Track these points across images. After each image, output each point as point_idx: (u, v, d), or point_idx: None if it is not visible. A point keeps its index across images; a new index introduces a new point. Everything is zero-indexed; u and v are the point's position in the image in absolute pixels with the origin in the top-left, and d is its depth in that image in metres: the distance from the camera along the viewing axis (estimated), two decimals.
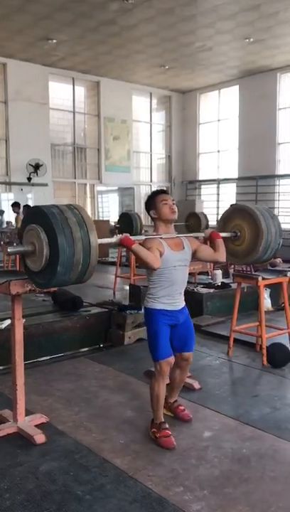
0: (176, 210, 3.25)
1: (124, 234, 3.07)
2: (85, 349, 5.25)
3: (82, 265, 2.77)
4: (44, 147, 13.48)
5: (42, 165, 13.20)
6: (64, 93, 14.43)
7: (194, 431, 3.29)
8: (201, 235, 3.62)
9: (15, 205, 11.38)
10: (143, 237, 3.18)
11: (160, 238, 3.15)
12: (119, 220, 8.95)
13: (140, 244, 3.03)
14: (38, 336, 4.95)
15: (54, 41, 11.42)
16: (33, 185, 13.18)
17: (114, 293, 8.02)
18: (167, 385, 3.34)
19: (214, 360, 4.83)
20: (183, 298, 3.31)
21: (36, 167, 13.09)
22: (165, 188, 16.38)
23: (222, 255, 3.39)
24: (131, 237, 3.00)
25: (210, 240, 3.45)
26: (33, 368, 4.55)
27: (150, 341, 3.22)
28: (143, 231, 8.78)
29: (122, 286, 8.49)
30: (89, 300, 6.21)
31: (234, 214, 4.09)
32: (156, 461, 2.91)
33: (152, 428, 3.17)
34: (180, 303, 3.26)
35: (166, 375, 3.20)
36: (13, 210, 11.45)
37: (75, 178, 14.66)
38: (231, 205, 4.69)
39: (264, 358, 4.66)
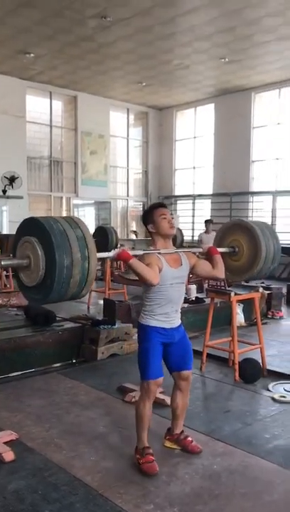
0: (175, 225, 3.18)
1: (122, 248, 3.01)
2: (58, 364, 5.19)
3: (80, 280, 2.65)
4: (20, 160, 13.42)
5: (17, 177, 13.13)
6: (41, 107, 14.45)
7: (165, 447, 3.27)
8: (199, 250, 3.55)
9: None
10: (141, 252, 3.07)
11: (159, 253, 3.05)
12: (94, 234, 8.94)
13: (138, 259, 2.94)
14: (9, 350, 4.87)
15: (32, 55, 11.46)
16: (8, 197, 13.07)
17: (88, 307, 7.96)
18: (172, 414, 3.26)
19: None
20: (180, 315, 3.20)
21: (11, 180, 13.00)
22: (141, 202, 16.48)
23: (221, 271, 3.31)
24: (129, 251, 2.93)
25: (208, 256, 3.36)
26: (4, 383, 4.47)
27: (140, 359, 3.07)
28: (119, 245, 8.81)
29: (97, 300, 8.44)
30: (63, 315, 6.15)
31: (231, 229, 4.12)
32: (127, 478, 2.88)
33: (136, 453, 3.03)
34: (176, 320, 3.15)
35: (153, 397, 3.07)
36: None
37: (51, 191, 14.61)
38: (228, 221, 4.61)
39: (236, 374, 4.69)
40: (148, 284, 2.96)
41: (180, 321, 3.20)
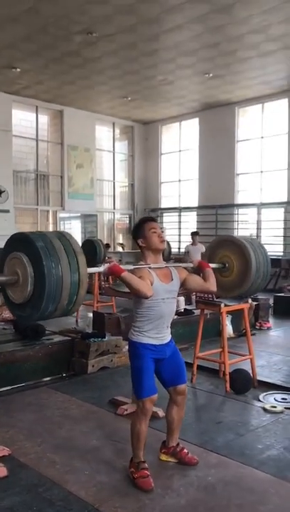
0: (165, 239, 3.17)
1: (112, 262, 3.01)
2: (48, 378, 5.16)
3: (70, 297, 2.60)
4: (6, 174, 13.39)
5: (3, 191, 13.09)
6: (27, 121, 14.49)
7: (159, 459, 3.26)
8: (190, 265, 3.56)
9: None
10: (131, 267, 3.05)
11: (149, 268, 3.03)
12: (82, 247, 8.94)
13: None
14: None
15: (18, 70, 11.51)
16: None
17: (76, 321, 7.92)
18: (168, 427, 3.25)
19: None
20: (170, 331, 3.18)
21: None
22: (133, 216, 16.54)
23: (213, 285, 3.30)
24: (120, 265, 2.90)
25: (200, 270, 3.35)
26: None
27: (133, 377, 3.06)
28: (106, 258, 8.81)
29: (85, 313, 8.40)
30: (52, 328, 6.12)
31: (221, 245, 4.15)
32: (122, 491, 2.87)
33: (130, 467, 3.01)
34: (166, 336, 3.13)
35: (149, 415, 3.03)
36: None
37: (38, 204, 14.59)
38: (216, 237, 4.62)
39: (227, 385, 4.71)
40: (142, 297, 2.92)
41: (170, 336, 3.18)
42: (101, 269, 2.97)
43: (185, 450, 3.26)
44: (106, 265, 2.93)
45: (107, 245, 15.00)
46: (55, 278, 2.52)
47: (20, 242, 2.73)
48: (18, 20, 8.83)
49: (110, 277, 9.61)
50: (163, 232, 3.19)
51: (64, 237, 2.72)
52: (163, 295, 3.02)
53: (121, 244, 16.22)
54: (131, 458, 3.06)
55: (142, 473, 2.93)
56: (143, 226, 3.12)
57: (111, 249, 14.17)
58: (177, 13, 8.61)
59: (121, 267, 2.90)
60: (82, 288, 2.66)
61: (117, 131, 16.96)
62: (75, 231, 16.15)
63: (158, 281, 3.01)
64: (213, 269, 3.61)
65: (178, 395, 3.18)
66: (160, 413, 4.00)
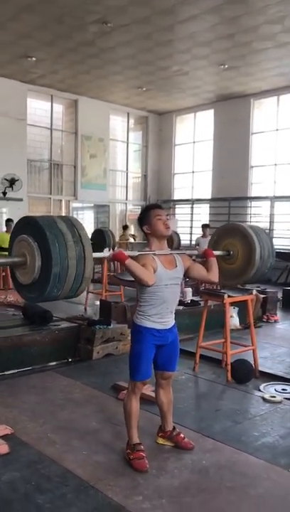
0: (170, 226, 3.19)
1: (118, 248, 3.06)
2: (53, 363, 5.27)
3: (76, 279, 2.67)
4: (20, 162, 13.52)
5: (17, 180, 13.23)
6: (42, 110, 14.57)
7: (156, 443, 3.35)
8: (194, 252, 3.61)
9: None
10: (136, 253, 3.10)
11: (154, 254, 3.07)
12: (92, 237, 9.04)
13: (133, 259, 2.98)
14: (5, 349, 4.97)
15: (33, 59, 11.58)
16: (7, 199, 13.18)
17: (85, 308, 8.05)
18: (160, 411, 3.34)
19: (180, 375, 4.90)
20: (174, 316, 3.23)
21: (12, 182, 13.11)
22: (159, 203, 16.62)
23: (215, 275, 3.33)
24: (125, 252, 2.97)
25: (204, 258, 3.41)
26: (0, 380, 4.55)
27: (131, 359, 3.14)
28: (116, 247, 8.89)
29: (94, 301, 8.52)
30: (60, 315, 6.24)
31: (226, 233, 4.20)
32: (118, 471, 2.97)
33: (127, 449, 3.10)
34: (170, 321, 3.18)
35: (139, 394, 3.16)
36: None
37: (51, 194, 14.72)
38: (222, 225, 4.61)
39: (229, 374, 4.77)
40: (143, 285, 2.99)
41: (174, 322, 3.24)
42: (106, 254, 3.02)
43: (182, 435, 3.34)
44: (112, 251, 3.00)
45: (126, 227, 15.08)
46: (61, 261, 2.59)
47: (28, 225, 2.80)
48: (34, 9, 8.88)
49: (119, 267, 9.72)
50: (168, 219, 3.22)
51: (70, 222, 2.78)
52: (167, 281, 3.06)
53: (133, 235, 16.28)
54: (127, 441, 3.15)
55: (138, 454, 3.03)
56: (148, 213, 3.16)
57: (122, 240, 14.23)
58: (192, 4, 8.57)
59: (126, 253, 2.96)
60: (87, 271, 2.72)
61: (131, 121, 16.97)
62: (88, 221, 16.27)
63: (161, 267, 3.05)
64: (218, 256, 3.65)
65: (163, 380, 3.29)
66: None
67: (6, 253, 8.36)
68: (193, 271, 3.27)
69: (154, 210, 3.16)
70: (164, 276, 3.06)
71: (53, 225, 2.70)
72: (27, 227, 2.79)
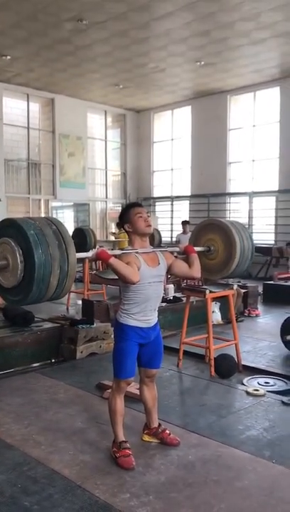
0: (151, 223, 3.19)
1: (100, 248, 3.03)
2: (37, 364, 5.25)
3: (59, 280, 2.66)
4: None
5: None
6: (18, 109, 14.42)
7: (142, 440, 3.36)
8: (175, 249, 3.63)
9: None
10: (119, 252, 3.10)
11: (136, 253, 3.08)
12: (73, 235, 8.98)
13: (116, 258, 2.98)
14: None
15: (8, 57, 11.44)
16: None
17: (67, 308, 8.02)
18: (145, 408, 3.36)
19: (164, 372, 4.92)
20: (157, 314, 3.23)
21: None
22: (138, 202, 16.55)
23: (197, 271, 3.36)
24: (108, 251, 2.97)
25: (185, 254, 3.44)
26: None
27: (115, 357, 3.14)
28: (97, 246, 8.87)
29: (76, 301, 8.50)
30: (42, 315, 6.20)
31: (206, 229, 4.24)
32: (104, 470, 2.97)
33: (113, 447, 3.10)
34: (153, 319, 3.19)
35: (124, 392, 3.16)
36: None
37: (29, 193, 14.58)
38: (202, 221, 4.61)
39: (212, 369, 4.81)
40: (128, 282, 2.98)
41: (156, 320, 3.25)
42: (89, 254, 3.03)
43: (167, 431, 3.36)
44: (94, 250, 3.00)
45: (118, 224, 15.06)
46: (44, 263, 2.58)
47: (9, 228, 2.78)
48: (8, 6, 8.77)
49: (100, 266, 9.70)
50: (149, 216, 3.22)
51: (52, 223, 2.77)
52: (150, 279, 3.07)
53: (114, 233, 16.25)
54: (113, 439, 3.15)
55: (124, 452, 3.03)
56: (129, 211, 3.16)
57: (103, 238, 14.20)
58: (167, 1, 8.58)
59: (109, 252, 2.96)
60: (71, 272, 2.71)
61: (109, 119, 16.91)
62: (68, 220, 16.16)
63: (145, 265, 3.06)
64: (199, 252, 3.68)
65: (147, 377, 3.31)
66: None
67: None
68: (175, 267, 3.30)
69: (134, 209, 3.17)
70: (147, 274, 3.06)
71: (34, 225, 2.68)
72: (8, 229, 2.76)
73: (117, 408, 3.11)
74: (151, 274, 3.09)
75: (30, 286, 2.61)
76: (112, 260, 2.90)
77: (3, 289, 2.85)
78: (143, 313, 3.12)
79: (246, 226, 13.95)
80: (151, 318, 3.18)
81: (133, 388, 3.89)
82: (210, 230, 4.25)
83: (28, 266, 2.61)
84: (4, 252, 2.72)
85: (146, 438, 3.39)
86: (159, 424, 3.39)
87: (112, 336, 5.50)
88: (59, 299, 2.97)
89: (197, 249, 3.71)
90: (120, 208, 17.11)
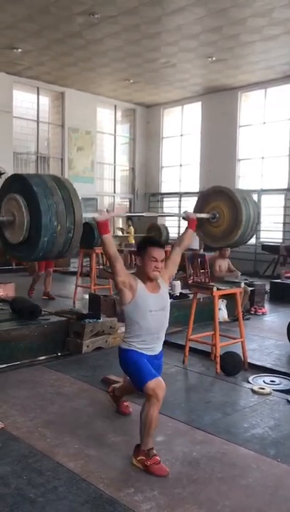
0: (161, 270, 3.07)
1: (106, 218, 2.99)
2: (43, 357, 5.26)
3: (66, 236, 2.66)
4: (7, 155, 13.39)
5: (4, 173, 13.06)
6: (28, 102, 14.44)
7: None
8: (182, 215, 3.75)
9: None
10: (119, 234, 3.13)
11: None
12: None
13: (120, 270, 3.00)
14: None
15: (19, 50, 11.45)
16: None
17: (73, 302, 8.03)
18: (122, 387, 3.47)
19: (170, 368, 4.92)
20: (162, 342, 3.17)
21: None
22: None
23: (184, 247, 3.51)
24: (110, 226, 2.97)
25: (187, 225, 3.60)
26: None
27: (132, 372, 3.06)
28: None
29: (82, 295, 8.50)
30: (49, 309, 6.22)
31: (212, 196, 4.20)
32: (109, 464, 2.98)
33: (139, 455, 2.93)
34: (157, 348, 3.13)
35: (161, 398, 2.91)
36: None
37: None
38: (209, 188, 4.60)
39: (218, 366, 4.81)
40: (111, 265, 3.02)
41: (161, 349, 3.18)
42: (95, 215, 3.01)
43: (126, 403, 3.69)
44: (101, 215, 2.99)
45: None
46: (51, 217, 2.57)
47: (15, 182, 2.77)
48: (19, 0, 8.75)
49: (105, 260, 9.69)
50: (163, 260, 3.09)
51: (59, 180, 2.77)
52: (151, 307, 3.02)
53: (121, 228, 16.27)
54: (136, 446, 3.00)
55: (154, 460, 2.90)
56: (146, 249, 3.04)
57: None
58: None
59: (110, 228, 3.01)
60: (77, 228, 2.71)
61: (119, 113, 16.90)
62: None
63: (144, 289, 3.02)
64: (203, 219, 3.79)
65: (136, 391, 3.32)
66: None
67: None
68: (169, 267, 3.34)
69: (152, 250, 3.03)
70: (148, 301, 3.02)
71: (42, 181, 2.68)
72: (15, 185, 2.74)
73: (153, 417, 2.90)
74: (152, 302, 3.03)
75: (36, 242, 2.59)
76: (107, 236, 2.96)
77: (9, 246, 2.82)
78: (146, 342, 3.06)
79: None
80: (154, 347, 3.11)
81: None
82: (216, 197, 4.20)
83: (34, 221, 2.59)
84: (11, 208, 2.70)
85: (109, 397, 3.72)
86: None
87: (118, 331, 5.52)
88: (66, 256, 2.95)
89: (202, 215, 3.77)
90: (128, 203, 17.12)
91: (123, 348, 3.12)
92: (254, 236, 14.56)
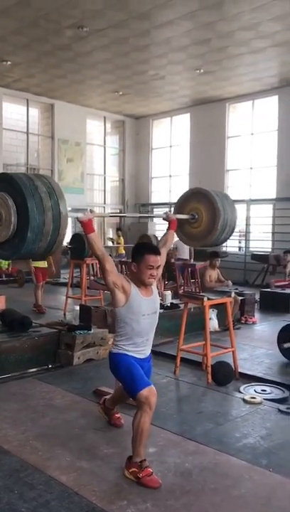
0: (156, 278, 3.09)
1: (91, 217, 3.00)
2: (33, 370, 5.22)
3: (52, 234, 2.68)
4: None
5: None
6: (18, 114, 14.49)
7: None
8: (163, 216, 3.88)
9: None
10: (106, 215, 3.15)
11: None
12: (71, 241, 9.01)
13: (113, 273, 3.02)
14: None
15: (9, 63, 11.51)
16: None
17: (64, 314, 8.01)
18: (113, 398, 3.47)
19: (161, 378, 4.92)
20: (151, 345, 3.21)
21: None
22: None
23: (167, 247, 3.60)
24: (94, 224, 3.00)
25: (168, 225, 3.71)
26: None
27: (124, 379, 3.07)
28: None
29: (73, 307, 8.47)
30: (39, 321, 6.20)
31: (189, 198, 4.29)
32: (101, 476, 2.96)
33: (131, 467, 2.91)
34: (146, 351, 3.16)
35: (153, 406, 2.94)
36: None
37: None
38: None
39: (209, 376, 4.81)
40: (100, 262, 3.03)
41: (149, 351, 3.23)
42: (79, 215, 3.02)
43: (118, 415, 3.66)
44: (85, 216, 3.01)
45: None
46: (37, 215, 2.60)
47: (2, 182, 2.78)
48: (9, 13, 8.83)
49: (97, 270, 9.69)
50: (159, 267, 3.10)
51: (44, 178, 2.81)
52: (144, 311, 3.05)
53: (111, 238, 16.29)
54: (128, 457, 2.99)
55: (147, 471, 2.88)
56: (143, 256, 3.03)
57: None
58: (168, 9, 8.66)
59: (95, 227, 3.05)
60: (63, 225, 2.74)
61: (108, 125, 17.00)
62: None
63: (138, 294, 3.03)
64: (183, 220, 3.92)
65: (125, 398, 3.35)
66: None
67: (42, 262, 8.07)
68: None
69: (149, 257, 3.02)
70: (141, 304, 3.04)
71: (27, 180, 2.70)
72: (1, 183, 2.75)
73: (145, 426, 2.92)
74: (146, 306, 3.06)
75: (24, 237, 2.60)
76: (92, 235, 2.99)
77: None
78: (136, 345, 3.10)
79: (243, 232, 13.99)
80: (144, 349, 3.15)
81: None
82: (194, 199, 4.30)
83: (21, 217, 2.60)
84: None
85: (101, 411, 3.70)
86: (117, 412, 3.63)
87: (109, 342, 5.50)
88: (52, 253, 2.97)
89: (182, 216, 3.87)
90: (118, 212, 17.12)
91: (114, 352, 3.13)
92: (244, 246, 14.62)
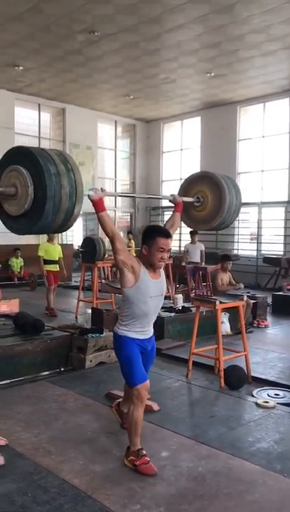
0: (166, 259, 3.14)
1: (101, 195, 2.99)
2: (46, 373, 5.25)
3: (68, 209, 2.69)
4: None
5: None
6: (30, 118, 14.60)
7: (152, 451, 3.33)
8: (170, 198, 3.93)
9: None
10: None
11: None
12: (82, 244, 9.04)
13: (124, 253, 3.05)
14: None
15: (21, 68, 11.61)
16: None
17: (76, 317, 8.04)
18: (124, 400, 3.44)
19: (173, 382, 4.91)
20: (152, 326, 3.28)
21: None
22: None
23: (174, 230, 3.61)
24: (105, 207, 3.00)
25: (174, 208, 3.78)
26: None
27: (124, 368, 3.15)
28: (106, 255, 8.90)
29: (85, 310, 8.50)
30: (51, 324, 6.22)
31: (197, 180, 4.29)
32: (115, 480, 2.96)
33: (129, 456, 3.09)
34: (150, 331, 3.25)
35: (145, 400, 3.12)
36: None
37: None
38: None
39: (222, 380, 4.79)
40: (112, 243, 3.02)
41: (152, 331, 3.30)
42: (91, 193, 3.01)
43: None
44: (96, 194, 3.00)
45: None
46: (54, 191, 2.59)
47: (18, 155, 2.77)
48: (21, 18, 8.92)
49: (108, 272, 9.71)
50: (170, 250, 3.17)
51: (62, 155, 2.81)
52: (152, 293, 3.11)
53: None
54: (127, 447, 3.15)
55: (143, 459, 3.04)
56: (155, 239, 3.04)
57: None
58: (178, 13, 8.68)
59: (105, 206, 3.04)
60: (78, 201, 2.75)
61: (119, 129, 17.06)
62: (77, 229, 16.24)
63: (147, 275, 3.08)
64: (188, 202, 3.91)
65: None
66: (155, 407, 4.10)
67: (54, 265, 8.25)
68: None
69: (161, 240, 3.04)
70: (150, 286, 3.09)
71: (46, 155, 2.70)
72: (18, 157, 2.73)
73: (139, 418, 3.08)
74: (154, 288, 3.12)
75: (40, 214, 2.59)
76: (103, 213, 2.99)
77: (9, 218, 2.80)
78: (142, 325, 3.17)
79: (254, 235, 13.91)
80: (148, 330, 3.23)
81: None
82: (200, 182, 4.30)
83: (38, 194, 2.59)
84: (12, 180, 2.68)
85: (115, 412, 3.69)
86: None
87: None
88: (66, 229, 2.97)
89: (187, 199, 3.85)
90: (129, 217, 17.17)
91: (118, 334, 3.19)
92: (256, 248, 14.53)
